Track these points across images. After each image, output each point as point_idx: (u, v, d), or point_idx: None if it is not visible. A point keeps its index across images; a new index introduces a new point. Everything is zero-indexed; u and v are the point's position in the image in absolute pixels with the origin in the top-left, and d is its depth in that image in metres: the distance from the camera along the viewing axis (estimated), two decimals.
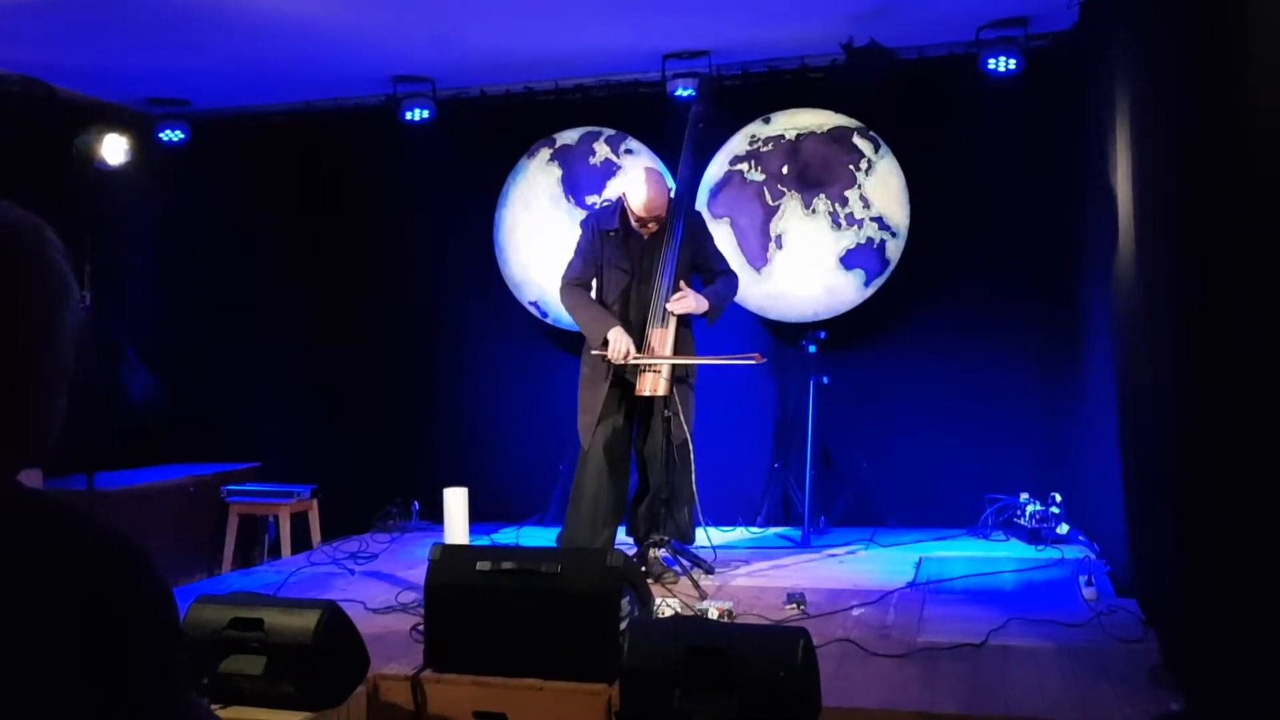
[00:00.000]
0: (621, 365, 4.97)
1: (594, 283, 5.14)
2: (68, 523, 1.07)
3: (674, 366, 4.95)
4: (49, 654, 1.01)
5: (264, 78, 6.33)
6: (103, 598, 1.04)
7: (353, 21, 5.38)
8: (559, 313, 6.40)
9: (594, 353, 5.01)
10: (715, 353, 5.35)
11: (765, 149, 6.25)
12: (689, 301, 4.98)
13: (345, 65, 6.11)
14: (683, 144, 5.38)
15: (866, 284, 6.12)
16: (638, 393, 4.96)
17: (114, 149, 5.39)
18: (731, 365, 5.43)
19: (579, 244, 5.19)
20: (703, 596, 4.51)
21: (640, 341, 4.98)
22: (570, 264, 5.18)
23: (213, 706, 3.16)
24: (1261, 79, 2.66)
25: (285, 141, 6.95)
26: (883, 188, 6.09)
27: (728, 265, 5.33)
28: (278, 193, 7.01)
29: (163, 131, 6.76)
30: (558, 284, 5.23)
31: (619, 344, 4.90)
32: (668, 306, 4.95)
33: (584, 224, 5.29)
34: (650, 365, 4.91)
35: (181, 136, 6.79)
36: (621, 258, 5.07)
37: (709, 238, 5.33)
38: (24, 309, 1.09)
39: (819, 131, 6.19)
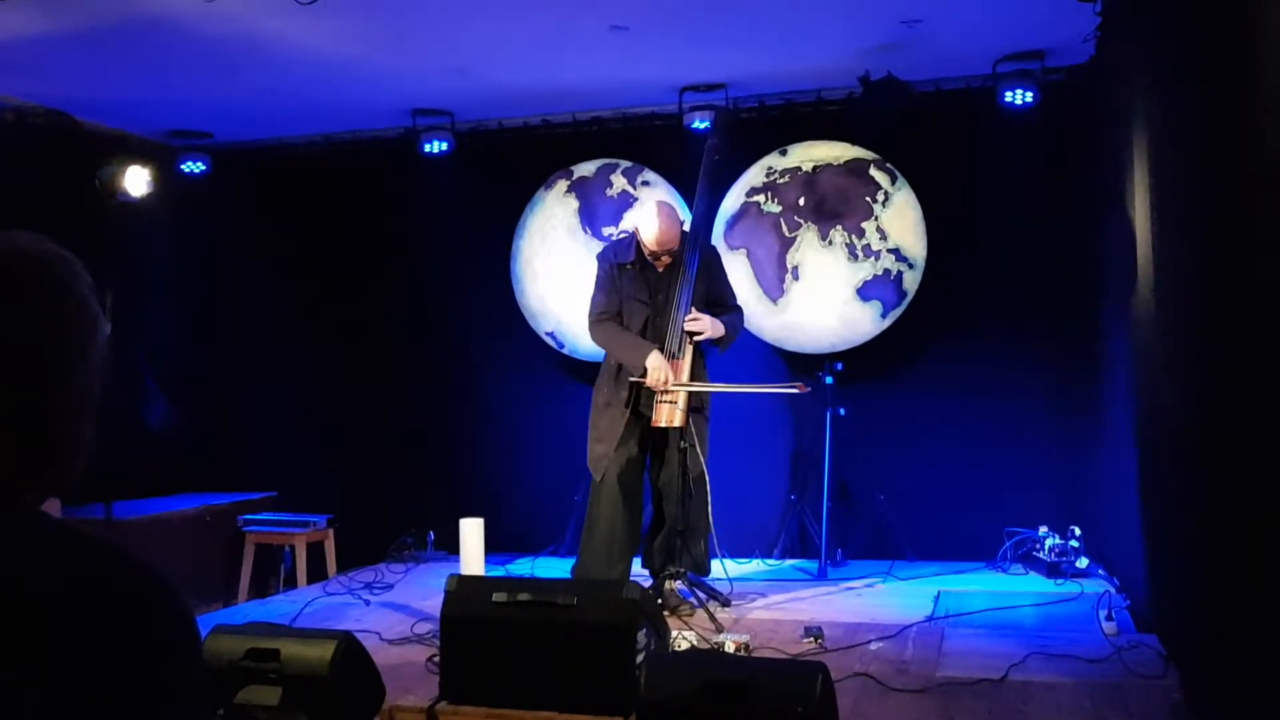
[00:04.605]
0: (639, 396, 4.98)
1: (620, 313, 5.16)
2: (93, 552, 1.08)
3: (689, 397, 4.95)
4: (71, 683, 1.01)
5: (285, 111, 6.40)
6: (127, 627, 1.04)
7: (373, 56, 5.44)
8: (575, 343, 6.42)
9: (633, 379, 5.01)
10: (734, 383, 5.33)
11: (782, 181, 6.27)
12: (704, 322, 5.00)
13: (365, 98, 6.17)
14: (699, 176, 5.40)
15: (883, 315, 6.12)
16: (654, 424, 4.95)
17: (136, 181, 5.44)
18: (758, 394, 5.41)
19: (599, 279, 5.20)
20: (719, 629, 4.48)
21: None
22: (594, 300, 5.19)
23: None
24: (1276, 111, 2.67)
25: (305, 173, 7.01)
26: (899, 219, 6.09)
27: (737, 301, 5.38)
28: (297, 224, 7.07)
29: (185, 163, 6.83)
30: (578, 316, 5.25)
31: (659, 372, 4.90)
32: (684, 323, 4.96)
33: (600, 258, 5.30)
34: (665, 396, 4.91)
35: (203, 168, 6.87)
36: (639, 290, 5.09)
37: (723, 273, 5.35)
38: (54, 342, 1.10)
39: (836, 163, 6.21)
